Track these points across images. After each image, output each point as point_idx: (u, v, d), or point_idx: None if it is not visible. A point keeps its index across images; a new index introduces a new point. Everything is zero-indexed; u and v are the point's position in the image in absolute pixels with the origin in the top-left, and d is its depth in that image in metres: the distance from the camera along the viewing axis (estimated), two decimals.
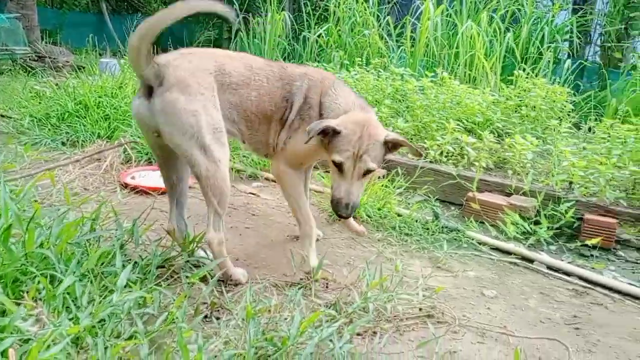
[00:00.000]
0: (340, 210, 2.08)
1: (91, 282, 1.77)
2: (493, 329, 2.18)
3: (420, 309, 2.20)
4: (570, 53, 7.96)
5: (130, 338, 1.55)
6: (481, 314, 2.34)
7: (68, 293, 1.65)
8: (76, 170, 3.87)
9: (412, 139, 4.57)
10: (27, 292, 1.53)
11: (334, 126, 2.04)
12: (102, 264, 1.96)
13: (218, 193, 2.08)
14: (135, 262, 2.11)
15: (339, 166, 2.05)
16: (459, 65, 6.57)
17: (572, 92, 5.73)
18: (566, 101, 5.24)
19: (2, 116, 5.53)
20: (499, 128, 4.90)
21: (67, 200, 2.17)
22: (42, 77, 8.04)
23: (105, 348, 1.42)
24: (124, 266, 1.87)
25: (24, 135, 4.73)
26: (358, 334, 1.98)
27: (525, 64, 6.83)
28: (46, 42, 10.80)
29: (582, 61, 7.54)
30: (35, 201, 2.84)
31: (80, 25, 14.09)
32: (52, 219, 2.02)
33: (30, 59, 9.58)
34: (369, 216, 3.41)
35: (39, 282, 1.63)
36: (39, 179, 2.62)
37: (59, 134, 4.70)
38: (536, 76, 5.88)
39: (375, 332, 2.01)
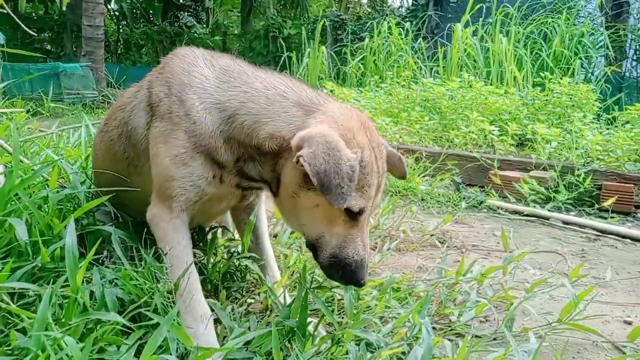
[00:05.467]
0: (362, 275, 1.30)
1: None
2: (498, 249, 2.40)
3: (431, 235, 2.46)
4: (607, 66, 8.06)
5: None
6: (490, 244, 2.56)
7: None
8: None
9: (437, 133, 4.87)
10: None
11: (347, 156, 1.18)
12: None
13: None
14: None
15: (354, 214, 1.27)
16: (490, 77, 6.88)
17: (600, 96, 5.88)
18: (595, 100, 5.40)
19: None
20: (525, 126, 5.11)
21: None
22: None
23: None
24: None
25: None
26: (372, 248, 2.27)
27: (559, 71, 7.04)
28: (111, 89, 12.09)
29: (615, 70, 7.60)
30: None
31: (141, 77, 15.63)
32: None
33: (97, 102, 10.79)
34: (396, 191, 3.68)
35: None
36: None
37: None
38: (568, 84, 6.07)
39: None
